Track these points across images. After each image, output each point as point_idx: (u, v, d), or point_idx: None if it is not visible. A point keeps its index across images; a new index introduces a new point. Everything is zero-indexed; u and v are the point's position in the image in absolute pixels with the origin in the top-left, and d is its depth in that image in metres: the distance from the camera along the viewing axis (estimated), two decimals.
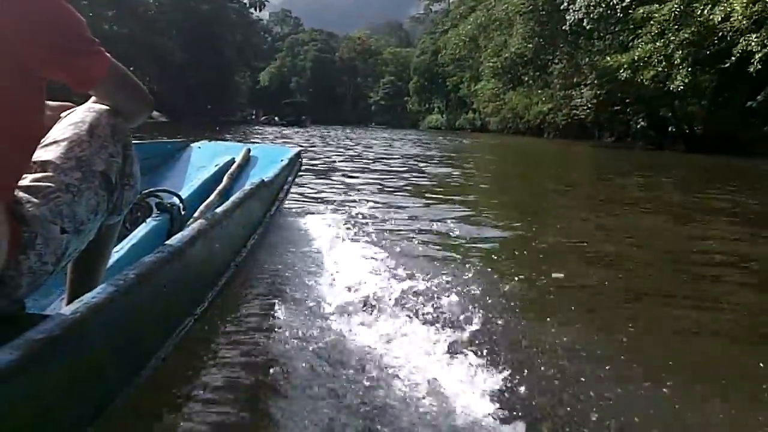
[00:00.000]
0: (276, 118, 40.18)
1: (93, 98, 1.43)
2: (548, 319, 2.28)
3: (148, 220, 2.27)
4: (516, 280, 2.78)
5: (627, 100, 24.79)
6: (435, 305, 2.22)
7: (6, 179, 1.13)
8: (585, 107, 25.95)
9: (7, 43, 1.08)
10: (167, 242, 1.56)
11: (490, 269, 2.99)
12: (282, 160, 3.65)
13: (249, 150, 3.82)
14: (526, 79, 27.67)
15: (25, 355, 0.89)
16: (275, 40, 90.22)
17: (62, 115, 1.44)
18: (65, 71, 1.21)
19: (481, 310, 2.18)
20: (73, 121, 1.37)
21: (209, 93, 35.38)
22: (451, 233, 3.97)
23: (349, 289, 2.41)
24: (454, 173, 9.92)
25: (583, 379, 1.76)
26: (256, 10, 43.07)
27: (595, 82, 24.64)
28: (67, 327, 1.00)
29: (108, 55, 1.28)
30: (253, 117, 41.41)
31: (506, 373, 1.71)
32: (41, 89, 1.19)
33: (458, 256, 3.31)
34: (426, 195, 6.31)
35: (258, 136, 20.34)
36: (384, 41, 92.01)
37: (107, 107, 1.41)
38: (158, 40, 32.66)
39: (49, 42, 1.15)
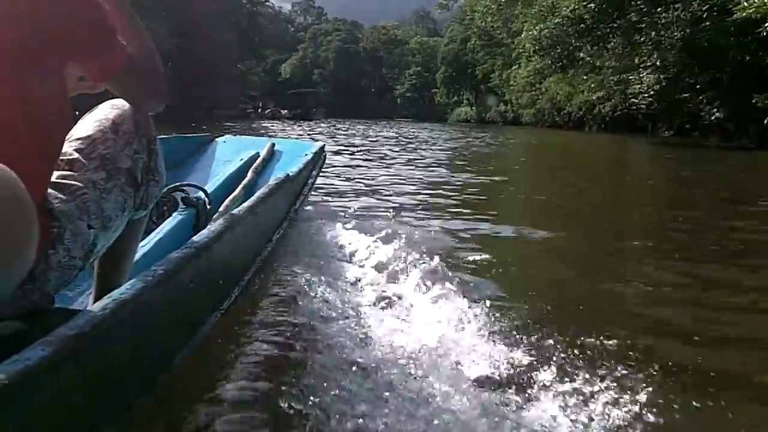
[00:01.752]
0: (283, 111, 36.27)
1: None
2: None
3: (174, 214, 2.28)
4: None
5: (698, 86, 19.89)
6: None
7: (39, 180, 1.12)
8: (646, 94, 20.93)
9: (28, 31, 1.06)
10: (194, 238, 1.57)
11: None
12: (306, 155, 3.54)
13: (273, 144, 3.80)
14: (581, 56, 21.75)
15: (56, 351, 0.90)
16: (297, 30, 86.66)
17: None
18: (86, 60, 1.20)
19: None
20: (97, 117, 1.38)
21: (203, 83, 31.07)
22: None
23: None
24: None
25: None
26: None
27: (658, 63, 19.75)
28: (97, 323, 1.02)
29: (126, 46, 1.23)
30: (258, 110, 37.06)
31: None
32: (63, 82, 1.16)
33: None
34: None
35: (227, 132, 16.21)
36: (412, 31, 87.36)
37: (132, 102, 1.39)
38: (143, 22, 27.92)
39: (72, 29, 1.13)
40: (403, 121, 53.74)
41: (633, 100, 22.16)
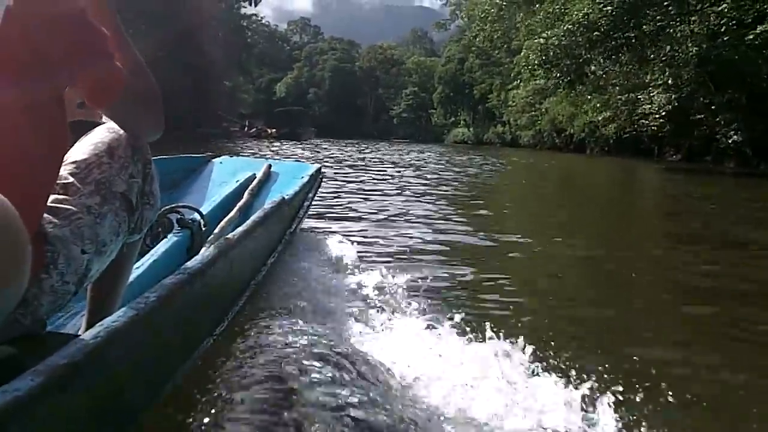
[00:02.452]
0: (271, 130, 34.59)
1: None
2: None
3: (168, 236, 2.26)
4: None
5: (713, 107, 18.26)
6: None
7: (35, 206, 1.13)
8: (657, 115, 19.22)
9: (30, 55, 1.08)
10: (187, 264, 1.54)
11: None
12: (302, 177, 3.58)
13: (270, 166, 3.79)
14: (593, 69, 19.63)
15: (46, 381, 0.90)
16: (293, 49, 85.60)
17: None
18: (84, 86, 1.21)
19: None
20: (93, 141, 1.38)
21: (184, 101, 29.23)
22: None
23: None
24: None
25: None
26: (250, 4, 36.59)
27: (670, 82, 18.12)
28: (88, 352, 1.01)
29: (126, 71, 1.24)
30: (245, 128, 35.33)
31: None
32: (63, 108, 1.18)
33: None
34: None
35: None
36: (409, 51, 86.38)
37: (127, 126, 1.41)
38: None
39: (73, 54, 1.13)
40: (399, 141, 52.44)
41: (642, 121, 20.43)
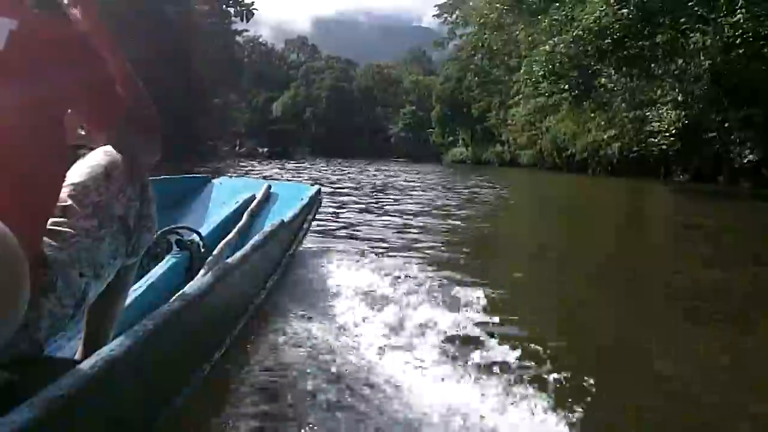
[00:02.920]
0: (262, 150, 33.55)
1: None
2: None
3: (167, 257, 2.24)
4: None
5: (726, 124, 17.12)
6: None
7: (34, 231, 1.13)
8: (667, 133, 18.02)
9: (35, 82, 1.09)
10: (186, 290, 1.55)
11: None
12: (302, 199, 3.56)
13: (269, 187, 3.78)
14: (602, 82, 18.21)
15: (43, 413, 0.89)
16: (290, 68, 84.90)
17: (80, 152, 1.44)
18: (84, 109, 1.23)
19: None
20: (90, 164, 1.37)
21: (169, 119, 28.02)
22: None
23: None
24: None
25: None
26: (242, 20, 35.29)
27: (680, 98, 16.98)
28: (86, 383, 1.00)
29: (125, 94, 1.27)
30: (236, 147, 34.20)
31: None
32: (63, 133, 1.19)
33: None
34: None
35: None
36: (407, 70, 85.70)
37: (125, 149, 1.39)
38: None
39: (74, 76, 1.14)
40: (397, 161, 51.50)
41: (651, 139, 19.20)
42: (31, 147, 1.08)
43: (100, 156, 1.39)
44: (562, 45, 16.34)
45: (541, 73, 17.22)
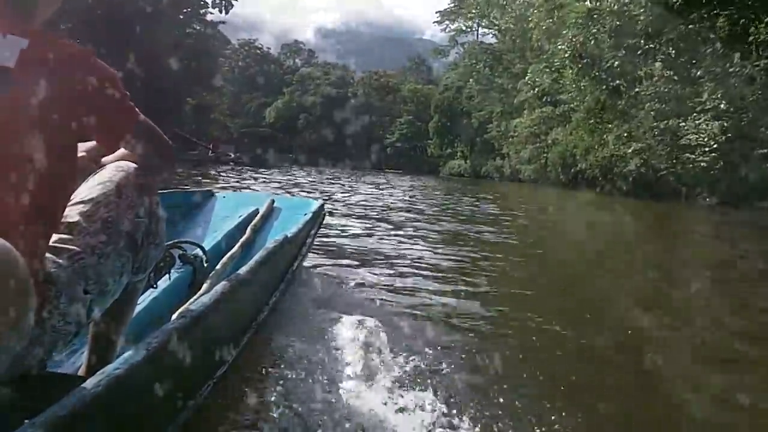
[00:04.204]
0: (236, 155, 30.47)
1: (120, 152, 1.43)
2: None
3: (171, 271, 2.30)
4: None
5: None
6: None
7: (39, 246, 1.14)
8: (707, 148, 14.78)
9: (44, 106, 1.10)
10: (189, 307, 1.59)
11: None
12: (305, 214, 3.51)
13: (273, 201, 3.78)
14: (644, 72, 14.69)
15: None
16: (286, 73, 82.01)
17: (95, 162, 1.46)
18: (95, 125, 1.23)
19: None
20: (101, 180, 1.38)
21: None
22: None
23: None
24: None
25: None
26: (220, 11, 31.59)
27: (722, 106, 13.81)
28: (89, 402, 1.00)
29: (137, 110, 1.30)
30: (210, 153, 31.03)
31: None
32: (75, 151, 1.23)
33: None
34: None
35: None
36: (406, 80, 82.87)
37: (135, 166, 1.41)
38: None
39: (84, 92, 1.18)
40: (391, 173, 48.78)
41: (688, 155, 15.89)
42: (38, 164, 1.09)
43: (111, 172, 1.38)
44: (598, 22, 12.80)
45: (569, 53, 13.86)
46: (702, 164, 15.55)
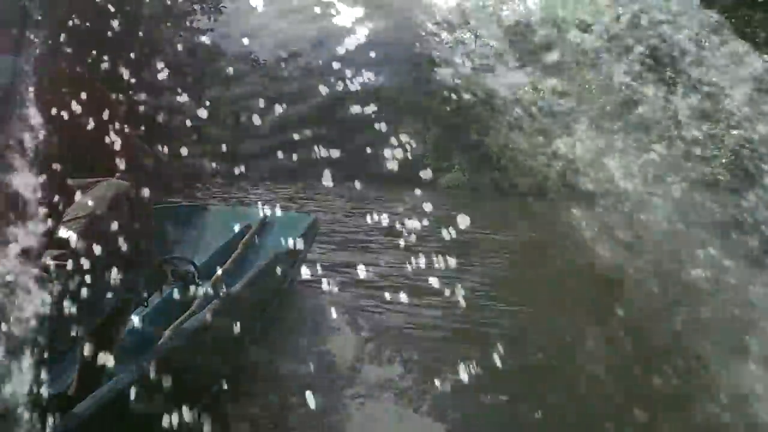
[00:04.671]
0: (215, 167, 29.48)
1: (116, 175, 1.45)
2: None
3: (163, 287, 2.31)
4: None
5: None
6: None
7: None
8: (725, 159, 13.60)
9: None
10: (182, 326, 1.62)
11: None
12: (298, 229, 3.57)
13: (265, 216, 3.82)
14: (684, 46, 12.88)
15: None
16: (282, 83, 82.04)
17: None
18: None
19: None
20: (95, 196, 1.42)
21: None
22: None
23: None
24: None
25: None
26: (209, 19, 30.06)
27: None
28: (82, 424, 1.02)
29: (143, 149, 1.41)
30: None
31: None
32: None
33: None
34: None
35: None
36: (403, 90, 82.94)
37: (129, 183, 1.45)
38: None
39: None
40: (390, 189, 48.21)
41: (705, 168, 14.68)
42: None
43: (105, 189, 1.41)
44: None
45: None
46: (719, 177, 14.36)
